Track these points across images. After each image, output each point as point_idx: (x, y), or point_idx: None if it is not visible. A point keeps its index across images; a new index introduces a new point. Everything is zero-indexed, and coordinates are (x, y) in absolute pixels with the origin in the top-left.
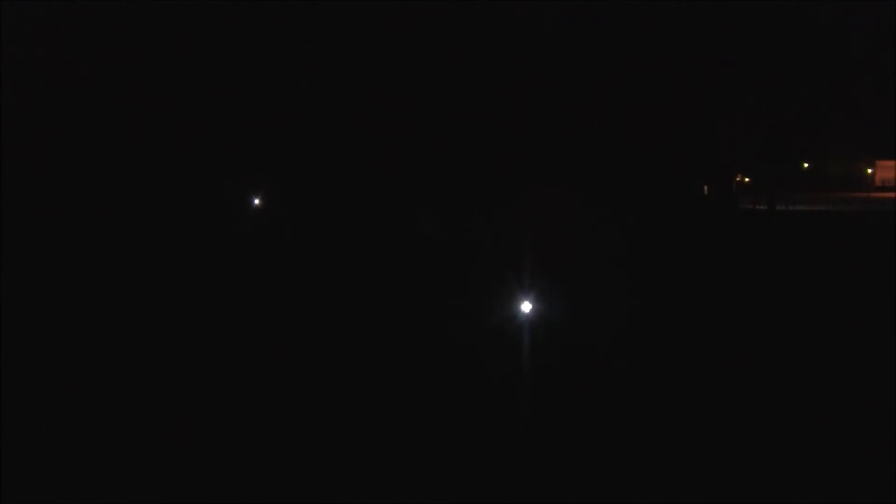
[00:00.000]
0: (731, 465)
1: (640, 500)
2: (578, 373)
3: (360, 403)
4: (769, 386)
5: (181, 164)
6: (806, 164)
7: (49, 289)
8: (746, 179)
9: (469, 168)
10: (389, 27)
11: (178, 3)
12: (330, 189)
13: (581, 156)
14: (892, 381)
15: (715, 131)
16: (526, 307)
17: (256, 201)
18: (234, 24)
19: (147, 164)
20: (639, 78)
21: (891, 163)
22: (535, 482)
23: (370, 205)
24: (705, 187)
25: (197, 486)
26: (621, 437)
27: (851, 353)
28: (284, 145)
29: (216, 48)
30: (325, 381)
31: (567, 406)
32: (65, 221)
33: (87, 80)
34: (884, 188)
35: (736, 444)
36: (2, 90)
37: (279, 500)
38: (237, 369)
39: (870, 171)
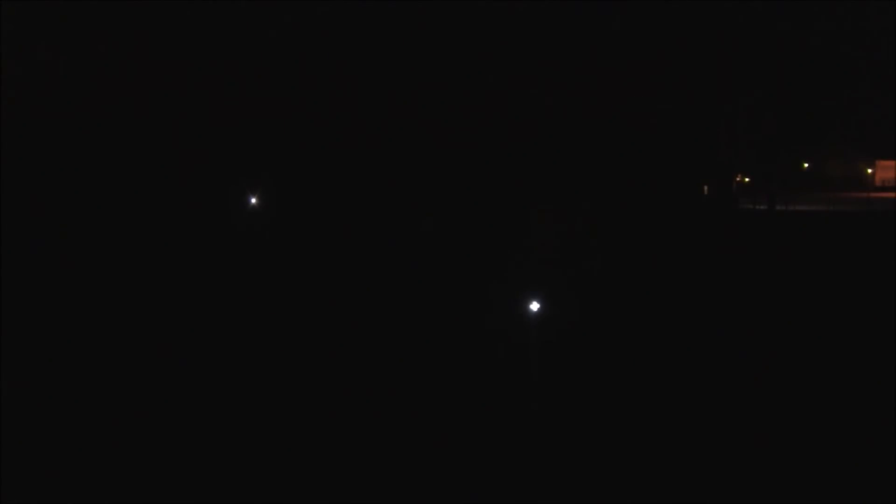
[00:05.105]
0: (732, 464)
1: (642, 500)
2: (582, 369)
3: (362, 401)
4: (770, 384)
5: (179, 163)
6: (806, 164)
7: (47, 286)
8: (746, 179)
9: (470, 168)
10: (395, 27)
11: (178, 3)
12: (329, 188)
13: (582, 156)
14: (892, 381)
15: (715, 131)
16: (534, 306)
17: (253, 200)
18: (233, 23)
19: (146, 164)
20: (639, 78)
21: (891, 163)
22: (541, 478)
23: (371, 203)
24: (705, 187)
25: (197, 486)
26: (623, 434)
27: (851, 352)
28: (282, 144)
29: (216, 48)
30: (327, 379)
31: (569, 401)
32: (64, 220)
33: (87, 80)
34: (884, 188)
35: (735, 442)
36: (2, 90)
37: (279, 500)
38: (236, 367)
39: (870, 171)
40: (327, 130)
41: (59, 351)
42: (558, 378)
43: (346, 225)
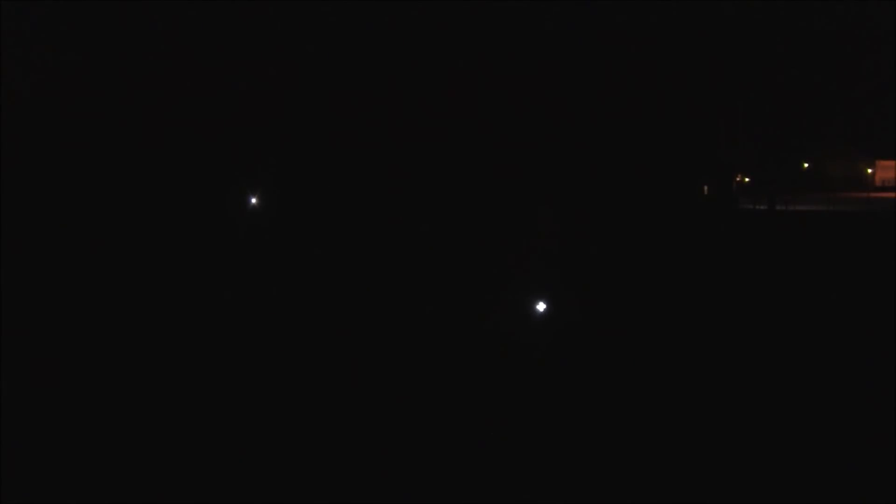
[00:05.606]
0: (733, 465)
1: (644, 500)
2: (583, 369)
3: (363, 403)
4: (769, 385)
5: (179, 162)
6: (806, 164)
7: (47, 286)
8: (746, 179)
9: (470, 168)
10: (395, 26)
11: (178, 3)
12: (329, 187)
13: (582, 156)
14: (892, 381)
15: (715, 131)
16: (540, 307)
17: (254, 200)
18: (233, 23)
19: (145, 164)
20: (639, 78)
21: (891, 163)
22: (542, 478)
23: (371, 202)
24: (705, 187)
25: (197, 486)
26: (626, 435)
27: (851, 352)
28: (281, 144)
29: (216, 48)
30: (329, 381)
31: (571, 403)
32: (64, 220)
33: (87, 80)
34: (884, 188)
35: (736, 442)
36: (2, 90)
37: (279, 500)
38: (238, 367)
39: (870, 171)
40: (327, 130)
41: (59, 351)
42: (560, 379)
43: (347, 225)
